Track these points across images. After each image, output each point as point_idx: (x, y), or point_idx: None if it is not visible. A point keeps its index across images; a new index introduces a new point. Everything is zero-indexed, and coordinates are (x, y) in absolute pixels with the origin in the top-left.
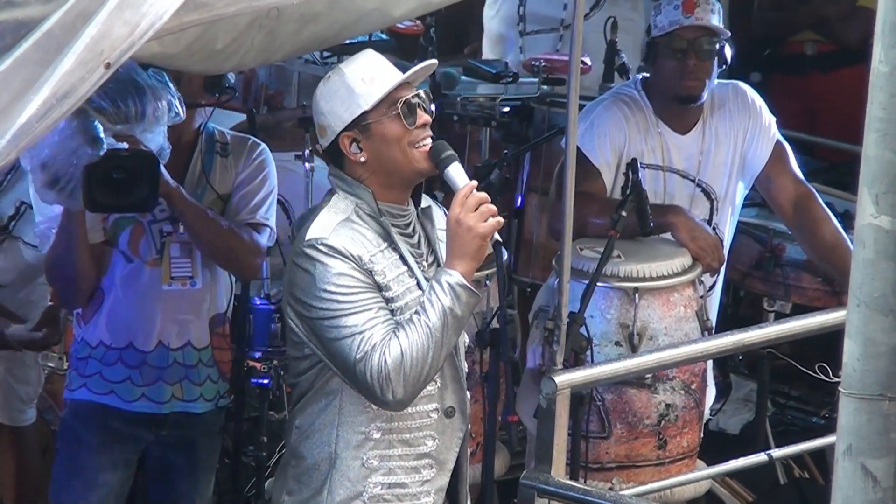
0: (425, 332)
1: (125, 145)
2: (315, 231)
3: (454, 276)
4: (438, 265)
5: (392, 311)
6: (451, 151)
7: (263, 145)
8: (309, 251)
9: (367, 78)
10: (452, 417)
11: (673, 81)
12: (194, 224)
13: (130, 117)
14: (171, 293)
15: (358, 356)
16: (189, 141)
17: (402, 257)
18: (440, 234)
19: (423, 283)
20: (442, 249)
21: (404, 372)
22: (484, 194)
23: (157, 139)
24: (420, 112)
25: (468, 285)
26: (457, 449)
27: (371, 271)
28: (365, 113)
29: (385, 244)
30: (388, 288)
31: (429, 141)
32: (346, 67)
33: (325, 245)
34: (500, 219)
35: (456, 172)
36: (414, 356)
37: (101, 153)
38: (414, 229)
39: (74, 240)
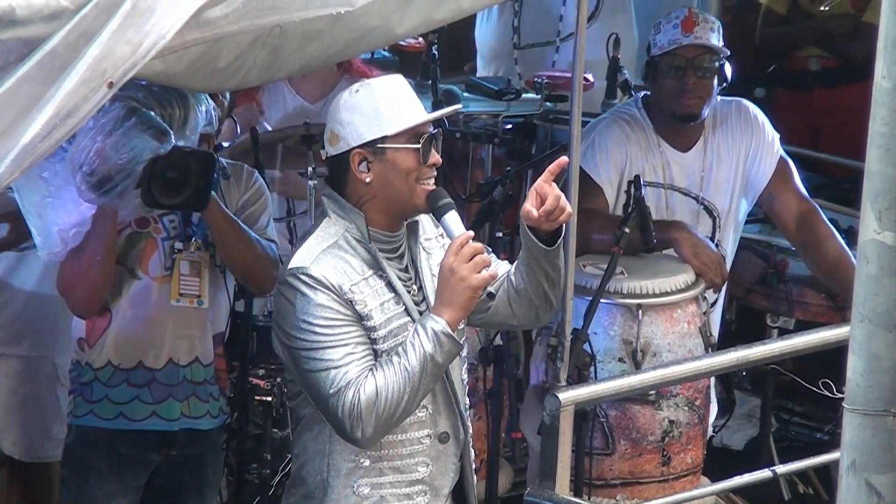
0: (403, 376)
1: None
2: (298, 260)
3: (440, 324)
4: (420, 284)
5: (375, 340)
6: (448, 200)
7: (253, 169)
8: (291, 280)
9: (397, 104)
10: (447, 443)
11: (672, 100)
12: (226, 233)
13: (175, 121)
14: (178, 309)
15: (332, 391)
16: None
17: (389, 283)
18: (424, 244)
19: (412, 307)
20: (424, 264)
21: (377, 412)
22: (479, 245)
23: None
24: (433, 151)
25: (452, 335)
26: (452, 474)
27: (351, 301)
28: (385, 137)
29: (371, 271)
30: (369, 317)
31: (433, 181)
32: (376, 86)
33: (306, 275)
34: (495, 271)
35: (452, 221)
36: (389, 398)
37: (169, 147)
38: (403, 253)
39: (104, 241)
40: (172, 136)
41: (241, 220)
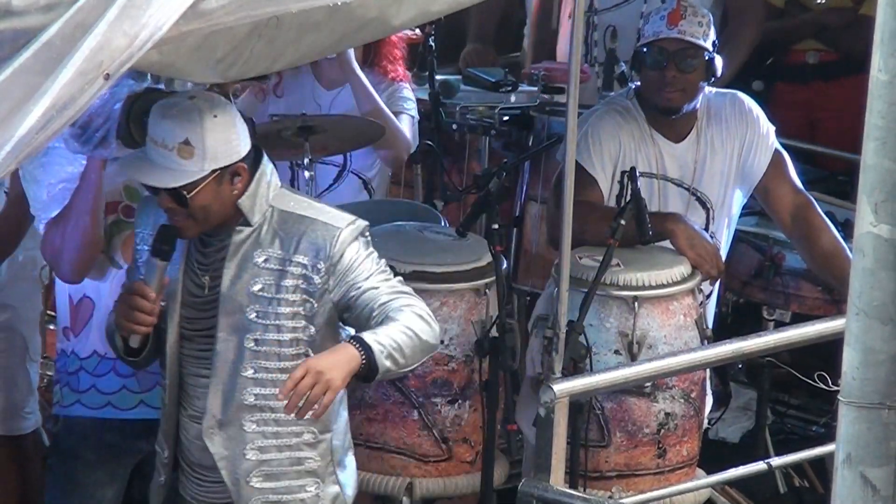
0: None
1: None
2: None
3: None
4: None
5: None
6: (162, 247)
7: None
8: None
9: None
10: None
11: (653, 92)
12: None
13: (162, 80)
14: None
15: None
16: None
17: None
18: (259, 256)
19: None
20: (232, 264)
21: None
22: (141, 301)
23: None
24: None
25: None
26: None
27: None
28: None
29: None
30: None
31: (172, 218)
32: None
33: None
34: (139, 328)
35: (154, 265)
36: None
37: (145, 85)
38: (222, 248)
39: (91, 192)
40: (148, 77)
41: None
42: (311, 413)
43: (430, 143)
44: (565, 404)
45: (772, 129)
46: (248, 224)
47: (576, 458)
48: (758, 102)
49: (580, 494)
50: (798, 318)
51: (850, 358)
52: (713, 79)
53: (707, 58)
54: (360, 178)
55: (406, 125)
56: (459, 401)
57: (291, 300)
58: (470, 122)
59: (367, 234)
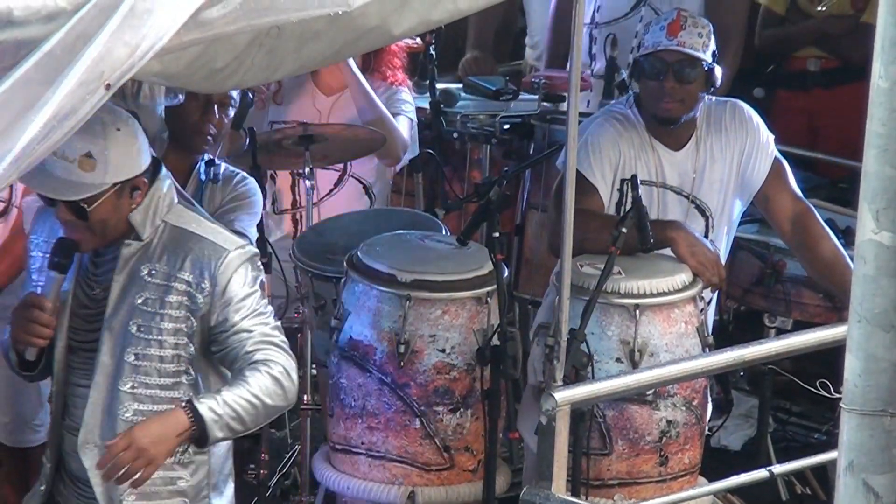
0: None
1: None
2: None
3: None
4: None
5: None
6: (58, 259)
7: (249, 178)
8: None
9: None
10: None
11: (651, 102)
12: None
13: (126, 93)
14: None
15: None
16: (191, 163)
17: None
18: (144, 270)
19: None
20: (120, 277)
21: None
22: (38, 313)
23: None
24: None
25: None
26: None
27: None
28: None
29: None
30: None
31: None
32: None
33: None
34: (37, 341)
35: (52, 278)
36: None
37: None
38: (113, 259)
39: None
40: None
41: (216, 216)
42: (129, 482)
43: (430, 151)
44: (567, 412)
45: (771, 137)
46: (138, 238)
47: (577, 466)
48: (758, 110)
49: (582, 502)
50: (799, 326)
51: (851, 365)
52: (712, 89)
53: (706, 68)
54: (360, 182)
55: (404, 127)
56: (461, 409)
57: (175, 316)
58: (471, 131)
59: (259, 263)
